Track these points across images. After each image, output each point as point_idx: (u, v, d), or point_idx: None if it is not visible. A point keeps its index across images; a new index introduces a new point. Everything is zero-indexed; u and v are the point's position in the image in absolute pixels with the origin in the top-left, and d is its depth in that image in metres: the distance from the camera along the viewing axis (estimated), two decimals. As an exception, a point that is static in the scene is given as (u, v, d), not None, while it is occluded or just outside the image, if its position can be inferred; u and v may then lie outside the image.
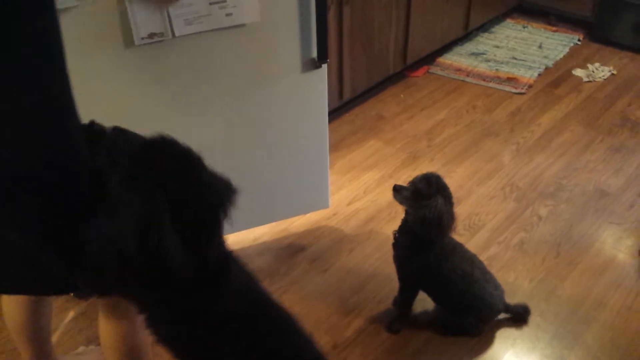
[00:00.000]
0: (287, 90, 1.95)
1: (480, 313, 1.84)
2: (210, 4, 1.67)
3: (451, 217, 1.72)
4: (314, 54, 1.91)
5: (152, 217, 0.96)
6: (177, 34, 1.67)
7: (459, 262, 1.80)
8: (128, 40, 1.63)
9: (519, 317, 1.92)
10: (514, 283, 2.05)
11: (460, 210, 2.38)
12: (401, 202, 1.78)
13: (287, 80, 1.93)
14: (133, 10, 1.59)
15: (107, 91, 1.71)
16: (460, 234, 2.26)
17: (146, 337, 1.41)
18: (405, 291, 1.90)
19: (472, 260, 1.84)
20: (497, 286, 1.85)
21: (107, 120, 1.75)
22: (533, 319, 1.93)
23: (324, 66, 1.95)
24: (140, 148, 1.10)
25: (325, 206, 2.30)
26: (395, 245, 1.87)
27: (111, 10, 1.58)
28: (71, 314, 1.99)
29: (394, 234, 1.87)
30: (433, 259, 1.77)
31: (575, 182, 2.52)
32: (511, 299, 1.99)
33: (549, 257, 2.16)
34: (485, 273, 1.84)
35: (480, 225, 2.30)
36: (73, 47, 1.59)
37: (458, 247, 1.84)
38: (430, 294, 1.88)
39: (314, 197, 2.27)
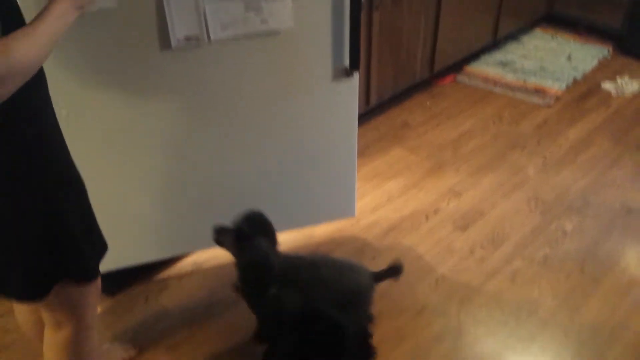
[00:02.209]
0: (318, 97, 1.96)
1: (356, 302, 1.77)
2: (247, 9, 1.70)
3: (275, 259, 1.65)
4: (346, 62, 1.92)
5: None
6: (212, 38, 1.69)
7: (305, 272, 1.72)
8: (165, 44, 1.66)
9: (395, 274, 1.80)
10: (538, 299, 2.04)
11: (484, 223, 2.37)
12: (227, 248, 1.69)
13: (319, 87, 1.94)
14: (171, 12, 1.61)
15: (143, 93, 1.74)
16: (483, 247, 2.26)
17: (90, 345, 1.43)
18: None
19: (313, 261, 1.75)
20: (352, 267, 1.78)
21: (142, 121, 1.79)
22: (555, 336, 1.92)
23: (356, 74, 1.95)
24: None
25: (352, 214, 2.31)
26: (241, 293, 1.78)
27: (149, 12, 1.61)
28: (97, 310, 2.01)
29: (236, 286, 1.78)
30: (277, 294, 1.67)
31: (602, 198, 2.50)
32: (533, 314, 1.99)
33: (574, 274, 2.15)
34: (335, 263, 1.77)
35: (504, 239, 2.29)
36: (111, 49, 1.63)
37: (296, 260, 1.75)
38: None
39: (341, 205, 2.28)
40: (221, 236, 1.67)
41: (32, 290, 1.24)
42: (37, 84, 1.17)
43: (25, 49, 1.00)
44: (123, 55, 1.66)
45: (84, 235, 1.28)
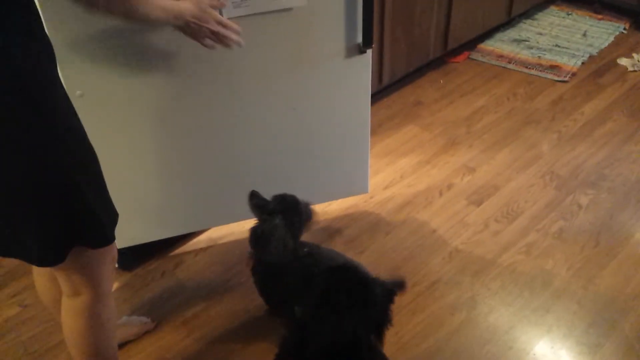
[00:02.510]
0: (330, 75, 1.96)
1: None
2: None
3: (283, 242, 1.64)
4: (359, 39, 1.91)
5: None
6: (225, 16, 1.69)
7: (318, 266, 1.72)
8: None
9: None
10: (552, 270, 2.04)
11: (499, 198, 2.37)
12: (252, 211, 1.73)
13: (331, 65, 1.94)
14: None
15: (155, 72, 1.75)
16: (498, 221, 2.25)
17: (107, 314, 1.46)
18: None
19: (330, 258, 1.77)
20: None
21: (156, 99, 1.80)
22: (569, 306, 1.92)
23: (369, 51, 1.95)
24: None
25: (365, 191, 2.32)
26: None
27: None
28: (115, 285, 2.05)
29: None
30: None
31: (618, 172, 2.48)
32: (548, 286, 1.99)
33: (588, 246, 2.14)
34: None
35: (518, 213, 2.29)
36: (123, 29, 1.64)
37: (313, 252, 1.76)
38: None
39: (354, 182, 2.28)
40: (251, 201, 1.72)
41: (49, 254, 1.26)
42: (51, 59, 1.20)
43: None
44: (135, 35, 1.67)
45: (98, 202, 1.30)
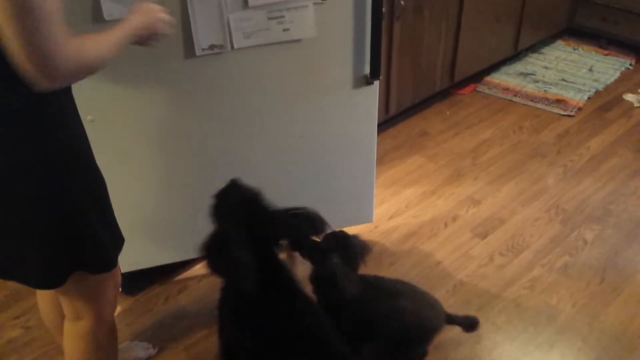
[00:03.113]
0: (338, 105, 1.98)
1: (424, 340, 1.77)
2: (269, 18, 1.72)
3: (348, 279, 1.63)
4: (367, 70, 1.94)
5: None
6: (235, 47, 1.72)
7: (382, 300, 1.72)
8: (189, 52, 1.69)
9: (467, 327, 1.82)
10: (557, 306, 2.03)
11: (504, 231, 2.36)
12: (304, 256, 1.71)
13: (339, 95, 1.96)
14: (196, 22, 1.65)
15: (166, 99, 1.77)
16: (503, 254, 2.25)
17: (109, 338, 1.46)
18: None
19: (395, 290, 1.76)
20: (432, 304, 1.77)
21: (164, 126, 1.82)
22: (574, 342, 1.90)
23: (376, 83, 1.97)
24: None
25: (369, 220, 2.32)
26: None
27: (175, 21, 1.64)
28: (118, 309, 2.04)
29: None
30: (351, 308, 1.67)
31: (623, 207, 2.48)
32: (553, 321, 1.97)
33: (594, 282, 2.13)
34: (416, 295, 1.77)
35: (524, 246, 2.28)
36: (138, 56, 1.67)
37: (375, 285, 1.76)
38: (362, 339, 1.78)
39: (359, 211, 2.29)
40: (302, 250, 1.69)
41: (47, 277, 1.27)
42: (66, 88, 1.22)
43: (87, 52, 1.07)
44: (149, 63, 1.69)
45: (102, 227, 1.30)
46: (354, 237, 1.73)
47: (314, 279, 1.66)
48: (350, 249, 1.68)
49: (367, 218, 2.32)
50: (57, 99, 1.16)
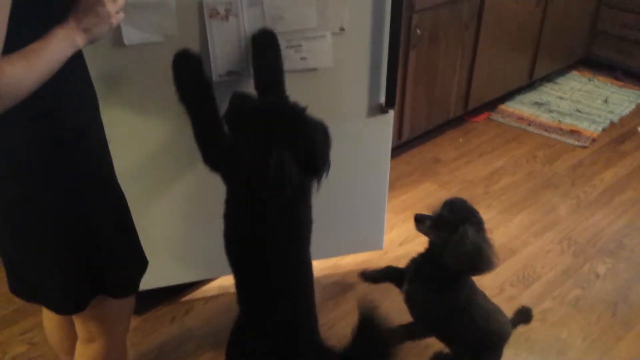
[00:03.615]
0: (352, 132, 1.98)
1: (499, 346, 1.76)
2: (287, 47, 1.73)
3: (489, 247, 1.55)
4: (382, 99, 1.94)
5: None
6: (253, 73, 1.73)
7: (480, 298, 1.71)
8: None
9: (526, 319, 1.86)
10: (567, 340, 2.00)
11: (515, 261, 2.34)
12: (425, 234, 1.64)
13: (354, 122, 1.96)
14: (215, 49, 1.67)
15: (180, 120, 1.78)
16: (513, 285, 2.22)
17: (120, 358, 1.44)
18: (419, 333, 1.80)
19: (481, 292, 1.75)
20: (501, 312, 1.78)
21: (175, 147, 1.83)
22: (585, 379, 1.87)
23: (391, 112, 1.98)
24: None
25: (379, 247, 2.31)
26: (412, 278, 1.71)
27: (194, 48, 1.66)
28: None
29: (411, 264, 1.71)
30: (464, 299, 1.64)
31: (637, 241, 2.44)
32: (562, 356, 1.95)
33: (605, 316, 2.09)
34: (492, 303, 1.77)
35: (535, 278, 2.26)
36: (160, 80, 1.68)
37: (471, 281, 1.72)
38: (446, 337, 1.76)
39: (369, 237, 2.28)
40: (422, 224, 1.63)
41: (70, 302, 1.25)
42: (88, 104, 1.21)
43: (19, 74, 0.97)
44: (167, 87, 1.71)
45: (124, 250, 1.30)
46: (469, 203, 1.66)
47: (455, 256, 1.55)
48: (475, 217, 1.61)
49: (377, 245, 2.31)
50: (79, 119, 1.16)
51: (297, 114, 1.44)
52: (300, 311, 1.60)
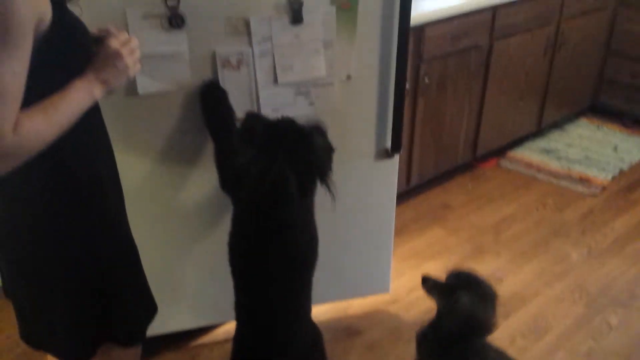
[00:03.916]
0: (358, 176, 1.99)
1: None
2: (296, 94, 1.78)
3: (484, 313, 1.60)
4: (388, 144, 1.96)
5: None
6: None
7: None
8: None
9: None
10: (581, 395, 1.95)
11: (526, 312, 2.30)
12: (428, 293, 1.71)
13: (361, 166, 1.98)
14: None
15: (188, 166, 1.81)
16: (524, 336, 2.18)
17: None
18: None
19: (496, 351, 1.72)
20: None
21: (182, 192, 1.83)
22: None
23: (396, 156, 1.99)
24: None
25: (386, 290, 2.30)
26: (419, 350, 1.75)
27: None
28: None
29: (419, 335, 1.75)
30: None
31: (650, 292, 2.41)
32: (577, 412, 1.89)
33: (619, 370, 2.05)
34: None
35: (546, 329, 2.21)
36: (173, 127, 1.70)
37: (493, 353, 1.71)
38: None
39: (375, 281, 2.27)
40: (426, 284, 1.70)
41: (78, 349, 1.24)
42: (102, 152, 1.22)
43: (38, 128, 0.98)
44: (177, 134, 1.73)
45: (134, 296, 1.29)
46: (475, 274, 1.70)
47: (449, 316, 1.60)
48: (477, 288, 1.64)
49: (383, 289, 2.30)
50: (94, 168, 1.17)
51: (301, 128, 1.52)
52: (296, 329, 1.66)
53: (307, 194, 1.55)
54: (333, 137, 1.87)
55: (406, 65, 1.89)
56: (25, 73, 0.94)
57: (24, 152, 0.98)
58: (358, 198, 2.04)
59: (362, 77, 1.86)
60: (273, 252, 1.54)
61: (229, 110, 1.67)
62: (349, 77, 1.83)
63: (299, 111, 1.79)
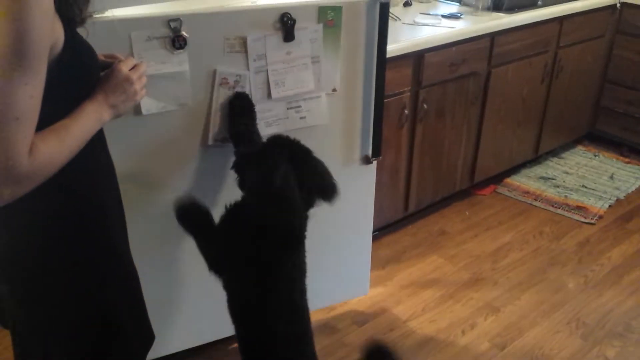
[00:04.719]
0: (341, 182, 2.01)
1: None
2: (288, 108, 1.86)
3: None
4: (369, 151, 2.10)
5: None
6: (261, 132, 1.79)
7: None
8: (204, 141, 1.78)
9: None
10: None
11: (523, 343, 2.29)
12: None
13: (344, 173, 2.04)
14: (215, 115, 1.76)
15: (185, 181, 1.81)
16: (521, 368, 2.17)
17: None
18: None
19: None
20: None
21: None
22: None
23: (375, 162, 2.14)
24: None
25: (365, 293, 2.42)
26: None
27: (200, 116, 1.74)
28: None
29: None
30: None
31: (647, 324, 2.40)
32: None
33: (617, 405, 2.03)
34: None
35: (543, 361, 2.21)
36: (165, 142, 1.71)
37: None
38: None
39: (354, 284, 2.38)
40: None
41: None
42: (104, 181, 1.22)
43: (52, 151, 0.99)
44: (179, 154, 1.74)
45: (134, 327, 1.28)
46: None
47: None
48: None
49: (362, 291, 2.42)
50: (98, 193, 1.17)
51: (301, 146, 1.57)
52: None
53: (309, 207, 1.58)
54: (321, 147, 1.90)
55: (384, 78, 2.02)
56: (41, 97, 0.95)
57: (39, 176, 0.98)
58: (339, 203, 2.06)
59: (346, 89, 1.97)
60: (273, 286, 1.53)
61: (207, 214, 1.63)
62: (334, 90, 1.94)
63: (292, 125, 1.88)
